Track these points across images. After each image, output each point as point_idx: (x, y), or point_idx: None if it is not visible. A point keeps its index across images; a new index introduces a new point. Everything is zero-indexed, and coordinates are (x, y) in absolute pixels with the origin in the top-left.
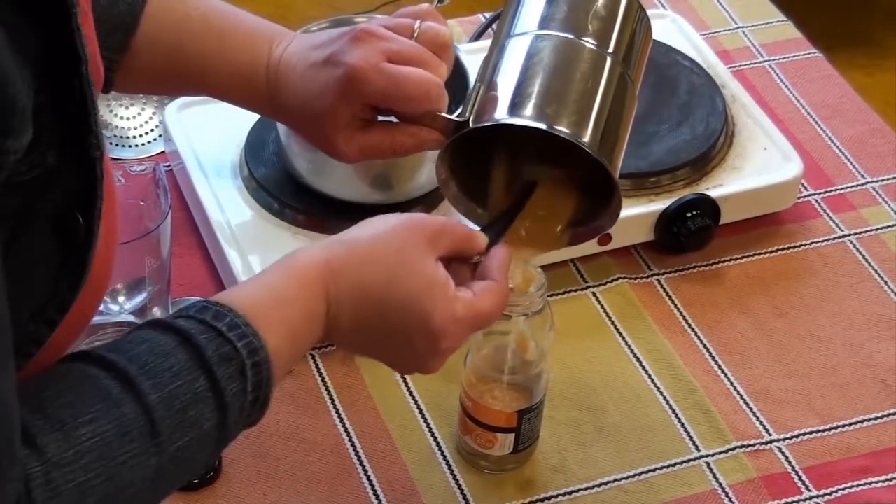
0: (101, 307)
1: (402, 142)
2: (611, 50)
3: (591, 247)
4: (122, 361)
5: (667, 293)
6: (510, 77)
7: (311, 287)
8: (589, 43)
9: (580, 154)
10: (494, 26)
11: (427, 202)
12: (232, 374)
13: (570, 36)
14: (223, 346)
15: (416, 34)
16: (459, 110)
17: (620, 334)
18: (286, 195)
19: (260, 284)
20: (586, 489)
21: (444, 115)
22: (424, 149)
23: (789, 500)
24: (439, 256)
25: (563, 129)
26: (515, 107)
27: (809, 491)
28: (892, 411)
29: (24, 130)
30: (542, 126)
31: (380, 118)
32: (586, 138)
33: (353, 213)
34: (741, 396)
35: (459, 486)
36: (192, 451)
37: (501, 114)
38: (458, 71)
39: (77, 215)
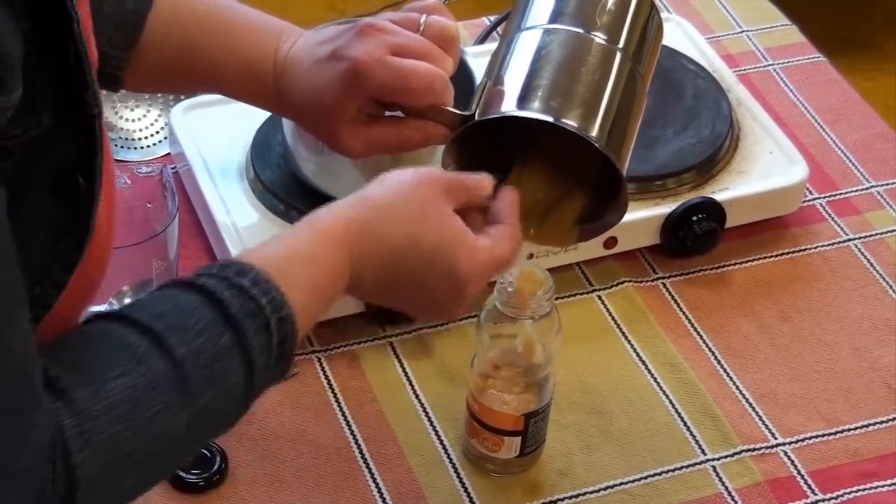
0: (108, 309)
1: (408, 136)
2: (621, 45)
3: (596, 250)
4: (148, 318)
5: (672, 297)
6: (518, 71)
7: (337, 246)
8: (599, 38)
9: (588, 149)
10: (500, 29)
11: None
12: (257, 329)
13: (580, 30)
14: (248, 301)
15: (421, 28)
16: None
17: (626, 338)
18: (292, 197)
19: (283, 243)
20: (592, 493)
21: (450, 108)
22: (431, 143)
23: (795, 503)
24: (454, 207)
25: (570, 122)
26: (522, 100)
27: (815, 495)
28: None
29: (14, 85)
30: (549, 119)
31: (386, 113)
32: (594, 132)
33: None
34: (747, 400)
35: (466, 490)
36: (221, 405)
37: (508, 107)
38: (464, 73)
39: (77, 175)
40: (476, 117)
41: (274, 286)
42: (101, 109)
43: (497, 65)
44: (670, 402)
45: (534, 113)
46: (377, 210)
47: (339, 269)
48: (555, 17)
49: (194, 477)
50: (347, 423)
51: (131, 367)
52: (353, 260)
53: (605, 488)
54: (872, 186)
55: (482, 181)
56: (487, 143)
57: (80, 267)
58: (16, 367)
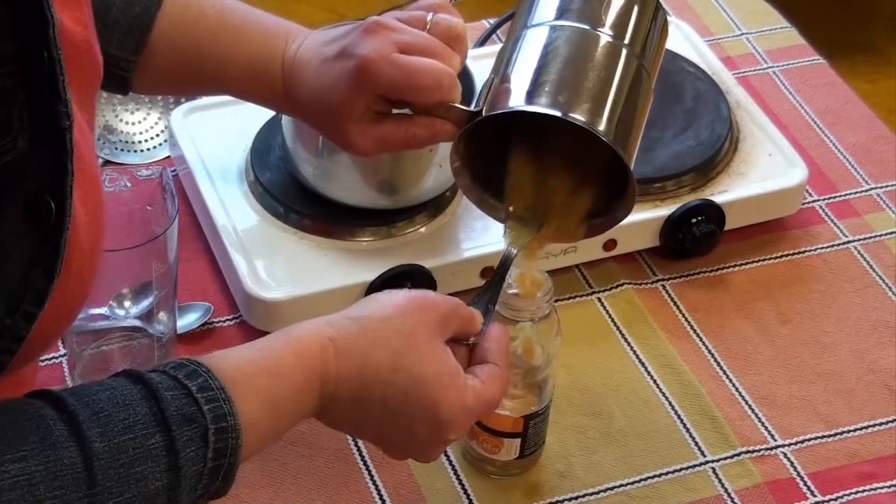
0: (108, 312)
1: (416, 133)
2: (627, 42)
3: (596, 252)
4: (77, 405)
5: (672, 299)
6: (525, 67)
7: (308, 362)
8: (605, 34)
9: (596, 144)
10: (500, 31)
11: (433, 207)
12: (192, 437)
13: (587, 27)
14: (189, 406)
15: (428, 26)
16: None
17: (626, 340)
18: (292, 200)
19: (255, 349)
20: (592, 494)
21: (457, 105)
22: (439, 140)
23: None
24: (446, 339)
25: (577, 116)
26: (529, 95)
27: (815, 496)
28: None
29: None
30: (557, 113)
31: (394, 111)
32: (601, 126)
33: (358, 217)
34: (746, 402)
35: (465, 492)
36: None
37: (516, 102)
38: (464, 76)
39: (48, 199)
40: (483, 113)
41: (224, 395)
42: (72, 122)
43: (504, 62)
44: (670, 403)
45: (542, 108)
46: (362, 330)
47: (306, 386)
48: (561, 13)
49: None
50: None
51: (38, 451)
52: (326, 381)
53: (605, 490)
54: (872, 189)
55: (476, 318)
56: (495, 139)
57: (55, 293)
58: None
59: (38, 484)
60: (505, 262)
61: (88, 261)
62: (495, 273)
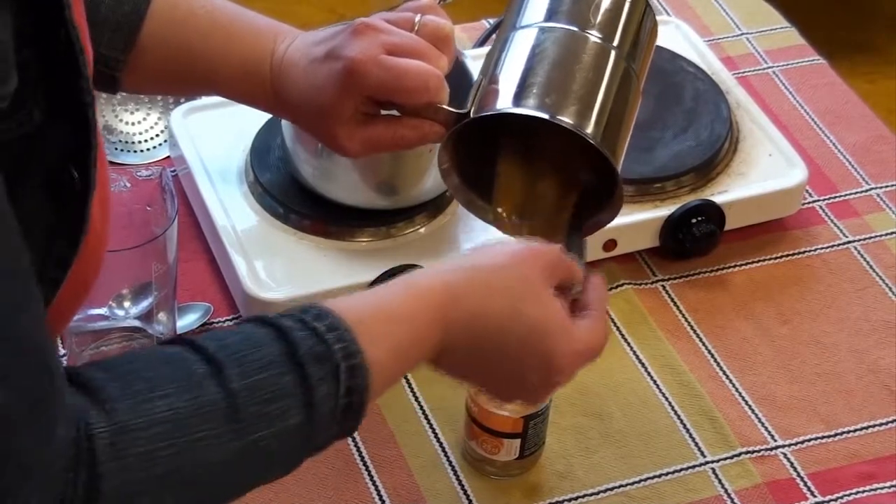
0: (107, 312)
1: (404, 135)
2: (615, 44)
3: (596, 253)
4: (213, 347)
5: (672, 299)
6: (513, 69)
7: (427, 309)
8: (594, 36)
9: (584, 146)
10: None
11: (432, 208)
12: (324, 375)
13: (575, 28)
14: (318, 345)
15: (416, 27)
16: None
17: (626, 340)
18: (291, 200)
19: (374, 296)
20: (592, 495)
21: (445, 107)
22: (427, 142)
23: None
24: (554, 286)
25: (565, 119)
26: (517, 97)
27: (815, 497)
28: None
29: (8, 76)
30: (545, 115)
31: (383, 112)
32: (589, 129)
33: (358, 218)
34: (746, 402)
35: (465, 492)
36: (274, 445)
37: (503, 104)
38: (462, 75)
39: (71, 169)
40: (471, 115)
41: (350, 335)
42: (94, 98)
43: (492, 63)
44: (669, 404)
45: (529, 110)
46: (477, 279)
47: (427, 332)
48: (550, 15)
49: None
50: None
51: (183, 389)
52: (446, 325)
53: (605, 490)
54: (872, 189)
55: (578, 269)
56: (483, 141)
57: (75, 265)
58: (34, 356)
59: (186, 418)
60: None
61: (101, 235)
62: (576, 225)
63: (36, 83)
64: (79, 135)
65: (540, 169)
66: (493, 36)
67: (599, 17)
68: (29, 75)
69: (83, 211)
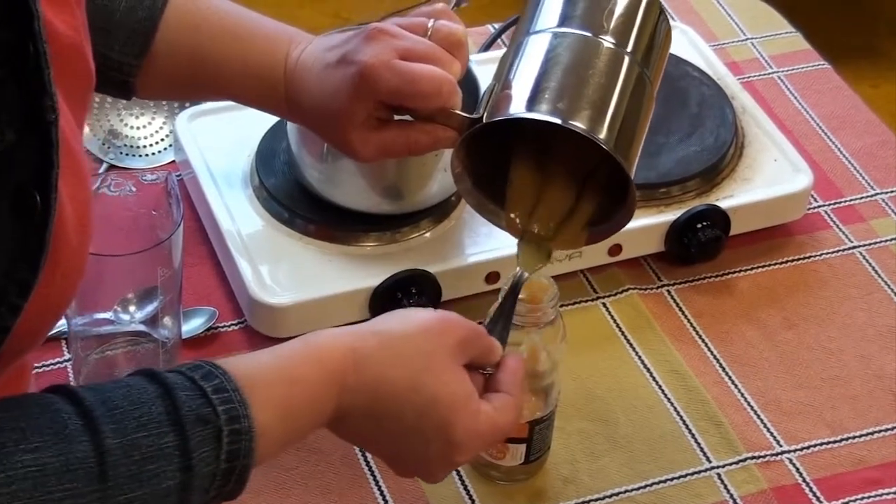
0: (113, 317)
1: (417, 140)
2: (629, 49)
3: (601, 257)
4: (92, 400)
5: (677, 304)
6: (526, 74)
7: (326, 372)
8: (607, 41)
9: (597, 151)
10: (504, 36)
11: (438, 212)
12: (205, 438)
13: (588, 34)
14: (203, 406)
15: (429, 32)
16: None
17: (631, 345)
18: (297, 205)
19: (272, 356)
20: (597, 500)
21: (458, 112)
22: (440, 147)
23: None
24: (464, 363)
25: (578, 124)
26: (530, 102)
27: (820, 502)
28: None
29: None
30: (557, 121)
31: (396, 117)
32: (602, 134)
33: (363, 222)
34: (752, 407)
35: (470, 497)
36: None
37: (516, 109)
38: (469, 81)
39: (33, 192)
40: (484, 120)
41: (238, 397)
42: (58, 116)
43: (505, 68)
44: (675, 409)
45: (542, 115)
46: (383, 344)
47: (322, 396)
48: (563, 20)
49: None
50: None
51: (52, 443)
52: (342, 391)
53: (610, 496)
54: (877, 194)
55: (496, 348)
56: (496, 147)
57: (41, 287)
58: None
59: (51, 476)
60: (515, 287)
61: (76, 257)
62: (506, 298)
63: (10, 102)
64: (42, 155)
65: (553, 175)
66: (499, 41)
67: (613, 23)
68: (3, 95)
69: (44, 235)
